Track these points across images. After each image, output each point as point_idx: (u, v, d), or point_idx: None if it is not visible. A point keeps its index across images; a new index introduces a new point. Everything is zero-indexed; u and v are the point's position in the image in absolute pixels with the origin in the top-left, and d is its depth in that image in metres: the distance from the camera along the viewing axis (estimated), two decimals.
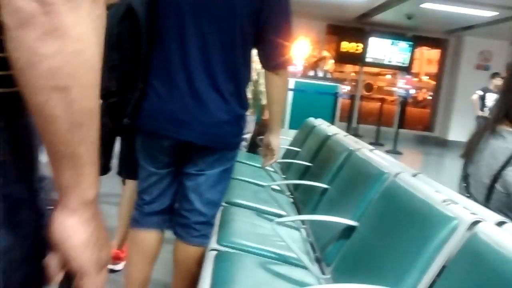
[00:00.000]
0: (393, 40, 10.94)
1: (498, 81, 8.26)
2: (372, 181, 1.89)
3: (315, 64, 9.66)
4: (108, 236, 0.71)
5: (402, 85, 10.06)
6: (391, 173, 1.81)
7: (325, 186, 2.38)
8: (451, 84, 11.17)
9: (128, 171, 2.41)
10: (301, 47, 10.83)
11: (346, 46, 11.02)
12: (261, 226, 2.21)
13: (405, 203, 1.57)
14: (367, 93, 11.81)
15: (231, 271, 1.67)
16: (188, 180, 1.88)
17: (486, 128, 1.55)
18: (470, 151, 1.58)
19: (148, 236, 1.92)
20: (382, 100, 10.19)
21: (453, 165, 8.60)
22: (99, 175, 0.67)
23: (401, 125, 10.53)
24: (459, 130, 10.48)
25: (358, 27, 10.78)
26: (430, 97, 12.07)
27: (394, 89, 11.25)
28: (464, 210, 1.30)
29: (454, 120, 10.88)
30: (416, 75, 11.80)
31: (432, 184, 1.60)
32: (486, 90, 8.39)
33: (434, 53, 11.82)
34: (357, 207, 1.86)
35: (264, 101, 4.31)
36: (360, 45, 10.94)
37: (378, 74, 12.33)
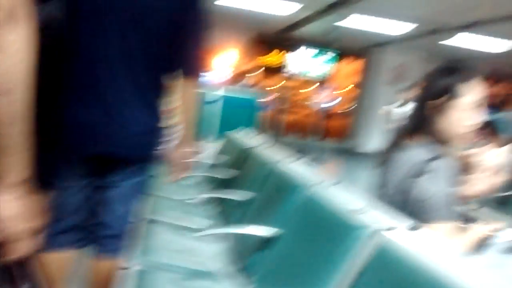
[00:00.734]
0: (316, 53, 11.31)
1: (409, 94, 8.76)
2: (292, 192, 1.91)
3: (241, 76, 9.74)
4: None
5: (324, 97, 10.40)
6: (310, 183, 1.84)
7: (246, 200, 2.38)
8: (370, 97, 11.69)
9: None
10: (228, 58, 10.89)
11: (271, 58, 11.23)
12: (182, 242, 2.16)
13: (322, 213, 1.60)
14: (290, 105, 12.06)
15: None
16: (97, 193, 1.80)
17: (397, 140, 1.61)
18: (385, 160, 1.64)
19: (56, 257, 1.79)
20: (306, 113, 10.46)
21: (371, 175, 8.96)
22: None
23: (324, 137, 10.86)
24: (378, 142, 11.00)
25: (283, 40, 11.01)
26: (351, 109, 12.55)
27: (314, 99, 11.62)
28: (377, 217, 1.34)
29: (373, 132, 11.38)
30: (337, 88, 12.24)
31: (351, 193, 1.64)
32: (399, 103, 8.84)
33: (354, 67, 12.33)
34: (278, 218, 1.87)
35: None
36: (284, 57, 11.19)
37: (301, 86, 12.64)
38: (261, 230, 1.85)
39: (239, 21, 9.62)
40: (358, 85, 12.24)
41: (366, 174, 8.95)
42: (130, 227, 1.92)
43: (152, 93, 1.76)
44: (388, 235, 1.23)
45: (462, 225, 1.49)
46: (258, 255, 1.86)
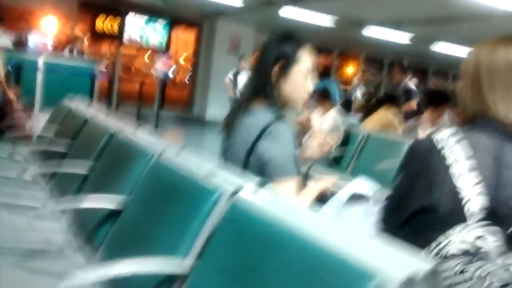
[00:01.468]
0: (149, 21, 10.97)
1: (244, 62, 9.15)
2: (137, 160, 1.85)
3: (68, 43, 9.01)
4: None
5: (160, 66, 10.19)
6: (155, 152, 1.80)
7: (84, 173, 2.24)
8: (206, 66, 11.83)
9: None
10: (50, 24, 9.95)
11: (101, 23, 10.57)
12: (19, 221, 1.95)
13: (171, 179, 1.59)
14: (125, 75, 11.60)
15: None
16: None
17: (240, 105, 1.66)
18: (227, 127, 1.68)
19: None
20: (142, 81, 10.16)
21: (212, 141, 9.21)
22: None
23: (161, 105, 10.71)
24: (216, 110, 11.25)
25: (113, 5, 10.43)
26: (188, 78, 12.57)
27: (151, 67, 11.37)
28: (226, 179, 1.38)
29: (211, 100, 11.60)
30: (173, 56, 12.11)
31: (195, 159, 1.65)
32: (236, 72, 9.15)
33: (190, 36, 12.30)
34: (122, 189, 1.80)
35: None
36: (116, 24, 10.64)
37: (135, 54, 12.21)
38: (104, 202, 1.76)
39: None
40: (194, 54, 12.27)
41: (207, 141, 9.18)
42: None
43: None
44: (238, 194, 1.28)
45: (303, 182, 1.62)
46: (104, 226, 1.78)
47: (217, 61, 11.42)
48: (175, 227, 1.40)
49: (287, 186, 1.50)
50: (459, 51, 10.41)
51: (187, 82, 12.53)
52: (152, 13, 10.83)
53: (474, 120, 1.20)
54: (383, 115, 5.18)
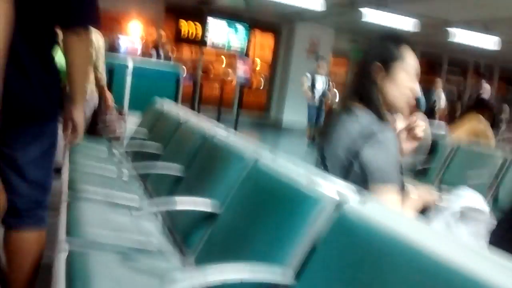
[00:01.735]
0: (231, 24, 11.18)
1: (323, 65, 9.06)
2: (232, 165, 1.87)
3: (154, 47, 9.40)
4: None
5: (240, 71, 10.36)
6: (251, 157, 1.81)
7: (178, 174, 2.30)
8: (284, 70, 11.86)
9: None
10: (137, 28, 10.43)
11: (185, 27, 10.92)
12: (115, 219, 2.04)
13: (269, 187, 1.57)
14: (205, 76, 11.89)
15: (87, 272, 1.50)
16: (5, 161, 1.65)
17: (340, 109, 1.62)
18: (325, 132, 1.64)
19: None
20: (222, 83, 10.37)
21: (291, 147, 9.21)
22: None
23: (241, 108, 10.88)
24: (293, 115, 11.24)
25: (197, 8, 10.74)
26: (265, 83, 12.65)
27: (231, 72, 11.58)
28: (327, 190, 1.34)
29: (288, 105, 11.60)
30: (253, 60, 12.25)
31: (294, 166, 1.63)
32: (314, 73, 9.07)
33: (267, 40, 12.39)
34: (219, 192, 1.82)
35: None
36: (200, 27, 10.94)
37: (215, 57, 12.49)
38: (199, 204, 1.79)
39: None
40: (272, 59, 12.34)
41: (286, 146, 9.20)
42: (48, 196, 1.79)
43: (34, 44, 1.60)
44: (346, 204, 1.24)
45: (405, 191, 1.55)
46: (199, 228, 1.81)
47: (295, 65, 11.42)
48: (275, 234, 1.39)
49: (390, 196, 1.44)
50: None
51: (264, 87, 12.61)
52: (233, 17, 11.03)
53: None
54: (475, 124, 4.91)
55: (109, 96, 3.97)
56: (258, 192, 1.62)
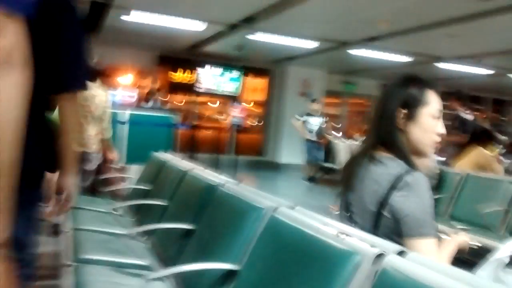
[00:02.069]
0: (224, 70, 11.26)
1: (316, 106, 9.11)
2: (248, 218, 1.75)
3: (148, 96, 9.42)
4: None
5: (234, 113, 10.36)
6: (268, 207, 1.70)
7: (190, 227, 2.18)
8: (278, 110, 11.88)
9: None
10: (130, 78, 10.47)
11: (178, 76, 10.98)
12: (123, 285, 1.90)
13: (293, 240, 1.46)
14: (202, 122, 11.88)
15: None
16: None
17: (362, 155, 1.53)
18: (349, 179, 1.55)
19: None
20: (217, 129, 10.34)
21: (291, 187, 9.10)
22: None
23: (237, 151, 10.83)
24: (289, 153, 11.18)
25: (189, 58, 10.84)
26: (258, 124, 12.65)
27: (221, 117, 11.61)
28: (361, 242, 1.24)
29: (284, 144, 11.56)
30: (246, 103, 12.27)
31: (316, 216, 1.52)
32: (307, 114, 9.10)
33: (259, 82, 12.47)
34: (236, 249, 1.70)
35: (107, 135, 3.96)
36: (192, 75, 11.00)
37: (212, 102, 12.51)
38: (219, 264, 1.67)
39: (146, 40, 9.29)
40: (266, 99, 12.39)
41: (287, 187, 9.08)
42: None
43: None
44: (385, 258, 1.13)
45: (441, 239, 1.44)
46: None
47: (289, 105, 11.44)
48: None
49: (427, 247, 1.33)
50: None
51: (259, 129, 12.59)
52: (227, 63, 11.12)
53: None
54: (479, 153, 4.83)
55: (114, 151, 3.88)
56: (281, 246, 1.50)
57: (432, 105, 1.48)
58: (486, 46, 7.74)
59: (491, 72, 9.59)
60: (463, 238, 1.52)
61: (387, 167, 1.43)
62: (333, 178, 8.14)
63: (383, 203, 1.39)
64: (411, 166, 1.43)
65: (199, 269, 1.77)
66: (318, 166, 9.14)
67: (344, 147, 4.77)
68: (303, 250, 1.39)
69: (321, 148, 9.06)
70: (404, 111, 1.47)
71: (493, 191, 3.89)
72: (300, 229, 1.45)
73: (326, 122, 9.26)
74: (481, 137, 5.04)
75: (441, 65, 9.23)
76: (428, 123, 1.48)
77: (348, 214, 1.53)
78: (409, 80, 1.52)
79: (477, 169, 4.55)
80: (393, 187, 1.37)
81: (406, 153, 1.46)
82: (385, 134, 1.49)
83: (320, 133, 8.99)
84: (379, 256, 1.15)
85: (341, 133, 11.38)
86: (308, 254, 1.36)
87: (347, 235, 1.29)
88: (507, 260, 1.27)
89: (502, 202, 3.70)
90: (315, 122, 8.98)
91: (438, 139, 1.49)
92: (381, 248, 1.17)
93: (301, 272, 1.34)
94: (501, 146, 6.48)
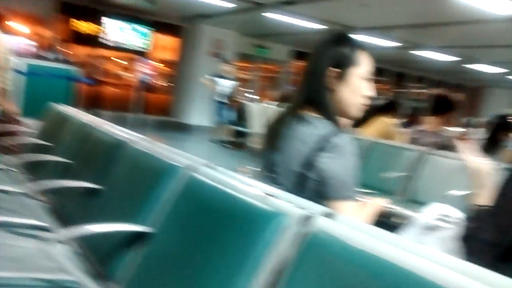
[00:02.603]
0: (132, 23, 10.66)
1: (229, 67, 8.98)
2: (164, 177, 1.62)
3: (47, 46, 8.67)
4: None
5: (142, 70, 9.92)
6: (187, 166, 1.58)
7: (96, 186, 2.00)
8: (189, 70, 11.56)
9: None
10: (28, 25, 9.56)
11: (82, 26, 10.21)
12: (18, 246, 1.70)
13: (215, 202, 1.37)
14: (107, 78, 11.23)
15: None
16: None
17: (289, 114, 1.46)
18: (273, 138, 1.48)
19: None
20: (125, 86, 9.86)
21: (199, 148, 8.96)
22: None
23: (145, 110, 10.44)
24: (199, 114, 11.01)
25: (95, 7, 10.08)
26: (169, 84, 12.25)
27: (128, 74, 11.10)
28: (288, 204, 1.17)
29: (194, 105, 11.33)
30: (156, 60, 11.79)
31: (238, 176, 1.44)
32: (217, 75, 8.94)
33: (170, 41, 12.00)
34: (149, 210, 1.57)
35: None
36: (98, 27, 10.29)
37: (118, 57, 11.84)
38: (130, 226, 1.54)
39: None
40: (176, 58, 12.00)
41: (197, 147, 8.93)
42: None
43: None
44: (312, 219, 1.08)
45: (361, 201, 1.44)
46: (127, 255, 1.55)
47: (200, 65, 11.18)
48: (230, 258, 1.19)
49: (350, 209, 1.32)
50: (442, 57, 10.45)
51: (168, 87, 12.22)
52: (136, 16, 10.53)
53: None
54: (382, 124, 5.04)
55: (13, 103, 3.51)
56: (201, 209, 1.40)
57: (362, 66, 1.45)
58: (396, 18, 8.04)
59: (398, 44, 10.03)
60: (380, 201, 1.53)
61: (314, 127, 1.38)
62: (244, 142, 8.14)
63: (309, 164, 1.34)
64: (338, 126, 1.39)
65: (105, 231, 1.62)
66: (228, 128, 9.09)
67: (259, 110, 4.70)
68: (226, 212, 1.30)
69: (232, 109, 8.98)
70: (335, 70, 1.42)
71: (395, 158, 4.08)
72: (222, 190, 1.36)
73: (238, 86, 9.18)
74: (386, 108, 5.25)
75: (353, 36, 9.48)
76: (357, 84, 1.44)
77: (271, 175, 1.47)
78: (341, 39, 1.47)
79: (381, 138, 4.75)
80: (320, 148, 1.33)
81: (333, 113, 1.42)
82: (314, 93, 1.44)
83: (231, 96, 8.91)
84: (307, 218, 1.10)
85: (254, 96, 11.37)
86: (231, 216, 1.27)
87: (273, 196, 1.22)
88: (433, 223, 1.29)
89: (404, 168, 3.89)
90: (227, 84, 8.86)
91: (366, 101, 1.47)
92: (309, 210, 1.12)
93: (223, 235, 1.25)
94: (402, 117, 6.83)
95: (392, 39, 9.49)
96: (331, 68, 1.42)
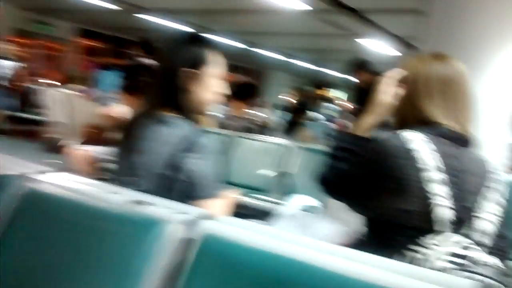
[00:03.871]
0: None
1: (4, 45, 7.88)
2: None
3: None
4: None
5: None
6: (22, 174, 1.37)
7: None
8: None
9: None
10: None
11: None
12: None
13: (71, 216, 1.22)
14: None
15: None
16: None
17: (145, 115, 1.42)
18: (131, 141, 1.41)
19: None
20: None
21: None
22: None
23: None
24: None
25: None
26: None
27: None
28: (166, 209, 1.14)
29: None
30: None
31: (93, 184, 1.32)
32: None
33: None
34: None
35: None
36: None
37: None
38: None
39: None
40: None
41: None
42: None
43: None
44: (194, 226, 1.07)
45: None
46: None
47: None
48: (105, 279, 1.09)
49: (216, 206, 1.36)
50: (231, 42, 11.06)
51: None
52: None
53: (412, 124, 1.26)
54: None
55: None
56: (51, 224, 1.24)
57: (215, 65, 1.49)
58: (188, 3, 8.19)
59: (190, 29, 10.21)
60: (234, 194, 1.60)
61: (174, 127, 1.38)
62: (31, 130, 7.31)
63: (175, 165, 1.32)
64: (197, 124, 1.41)
65: None
66: (6, 115, 8.00)
67: (60, 97, 4.20)
68: (90, 227, 1.18)
69: (10, 94, 7.92)
70: (188, 70, 1.43)
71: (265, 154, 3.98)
72: (79, 201, 1.23)
73: (23, 67, 8.14)
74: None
75: (144, 17, 9.31)
76: (212, 81, 1.48)
77: (132, 179, 1.40)
78: (193, 39, 1.50)
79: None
80: (186, 149, 1.32)
81: (190, 112, 1.43)
82: (169, 93, 1.43)
83: (12, 78, 7.85)
84: (190, 223, 1.09)
85: (48, 80, 10.13)
86: (97, 230, 1.17)
87: (145, 203, 1.16)
88: (297, 214, 1.41)
89: (273, 164, 3.85)
90: (8, 66, 7.77)
91: (220, 99, 1.52)
92: (190, 214, 1.11)
93: (90, 255, 1.14)
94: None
95: (184, 23, 9.64)
96: (184, 69, 1.42)
